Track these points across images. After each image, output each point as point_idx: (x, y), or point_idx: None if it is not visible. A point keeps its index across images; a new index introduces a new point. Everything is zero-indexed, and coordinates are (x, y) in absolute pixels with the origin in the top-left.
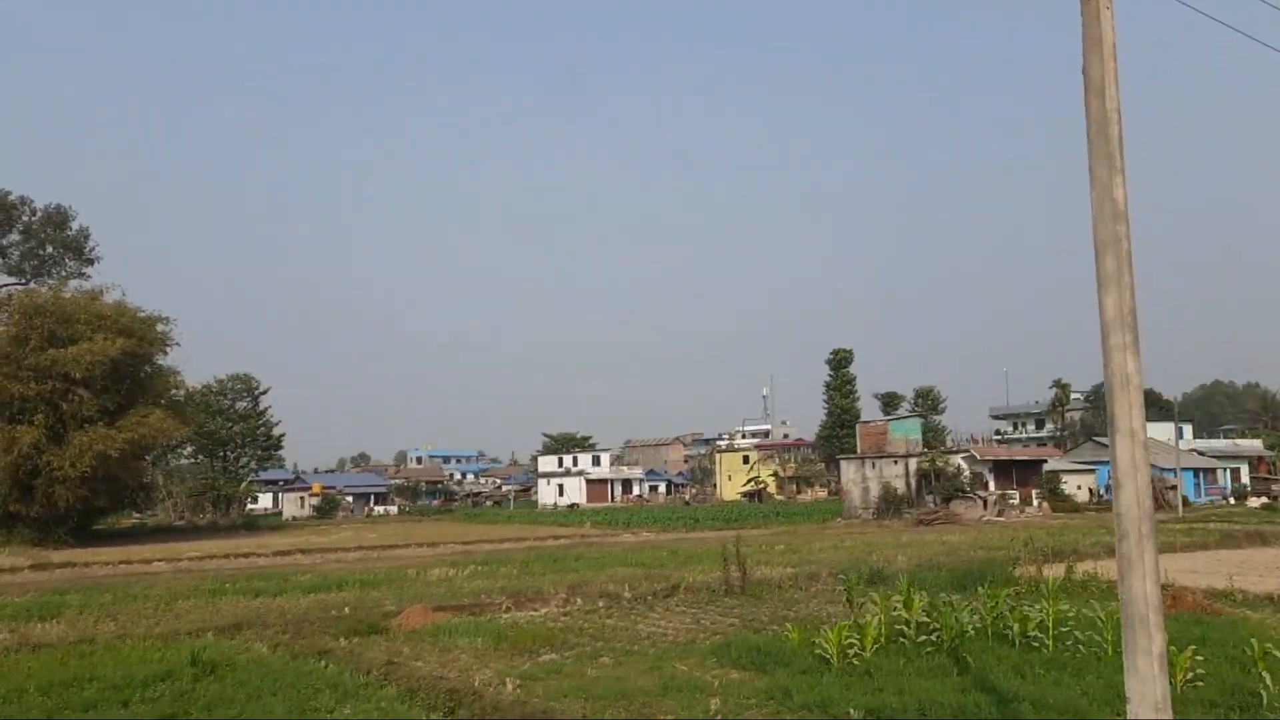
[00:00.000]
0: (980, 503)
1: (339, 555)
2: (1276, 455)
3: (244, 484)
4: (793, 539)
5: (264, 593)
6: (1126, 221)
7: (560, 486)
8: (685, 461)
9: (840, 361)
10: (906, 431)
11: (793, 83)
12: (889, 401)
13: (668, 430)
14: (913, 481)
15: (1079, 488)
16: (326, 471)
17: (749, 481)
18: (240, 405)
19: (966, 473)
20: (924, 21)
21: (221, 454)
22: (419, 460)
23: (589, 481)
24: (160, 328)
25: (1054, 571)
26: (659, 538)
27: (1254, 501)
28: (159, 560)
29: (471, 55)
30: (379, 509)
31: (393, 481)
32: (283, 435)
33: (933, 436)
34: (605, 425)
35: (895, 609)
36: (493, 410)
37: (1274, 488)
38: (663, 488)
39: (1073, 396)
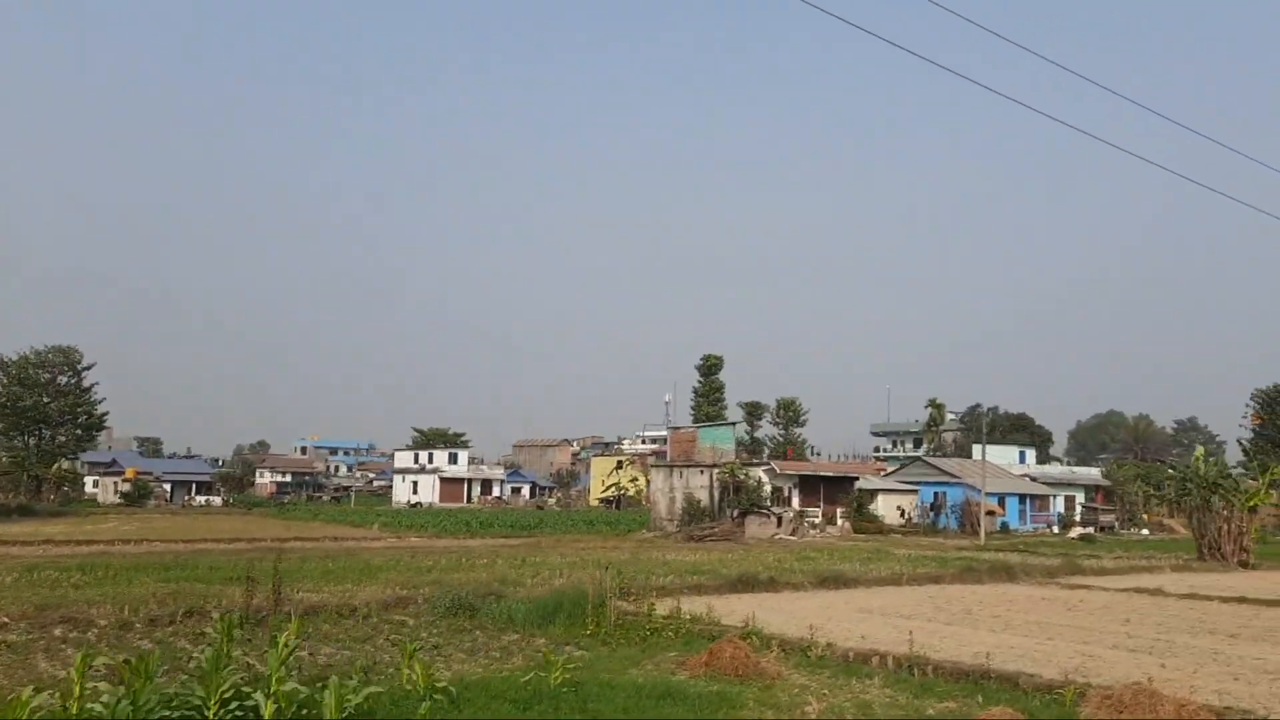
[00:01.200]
0: (775, 519)
1: (17, 549)
2: (1125, 487)
3: (55, 465)
4: (533, 552)
5: None
6: None
7: (415, 484)
8: (573, 464)
9: (710, 368)
10: (716, 440)
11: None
12: (752, 411)
13: (569, 432)
14: (715, 493)
15: (897, 508)
16: (197, 459)
17: (609, 488)
18: (62, 380)
19: (767, 487)
20: None
21: (36, 432)
22: (303, 450)
23: (443, 480)
24: None
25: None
26: (424, 543)
27: (1075, 531)
28: None
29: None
30: (200, 499)
31: (218, 470)
32: (105, 414)
33: (791, 448)
34: (517, 424)
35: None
36: (407, 403)
37: (1103, 518)
38: (526, 490)
39: (949, 416)
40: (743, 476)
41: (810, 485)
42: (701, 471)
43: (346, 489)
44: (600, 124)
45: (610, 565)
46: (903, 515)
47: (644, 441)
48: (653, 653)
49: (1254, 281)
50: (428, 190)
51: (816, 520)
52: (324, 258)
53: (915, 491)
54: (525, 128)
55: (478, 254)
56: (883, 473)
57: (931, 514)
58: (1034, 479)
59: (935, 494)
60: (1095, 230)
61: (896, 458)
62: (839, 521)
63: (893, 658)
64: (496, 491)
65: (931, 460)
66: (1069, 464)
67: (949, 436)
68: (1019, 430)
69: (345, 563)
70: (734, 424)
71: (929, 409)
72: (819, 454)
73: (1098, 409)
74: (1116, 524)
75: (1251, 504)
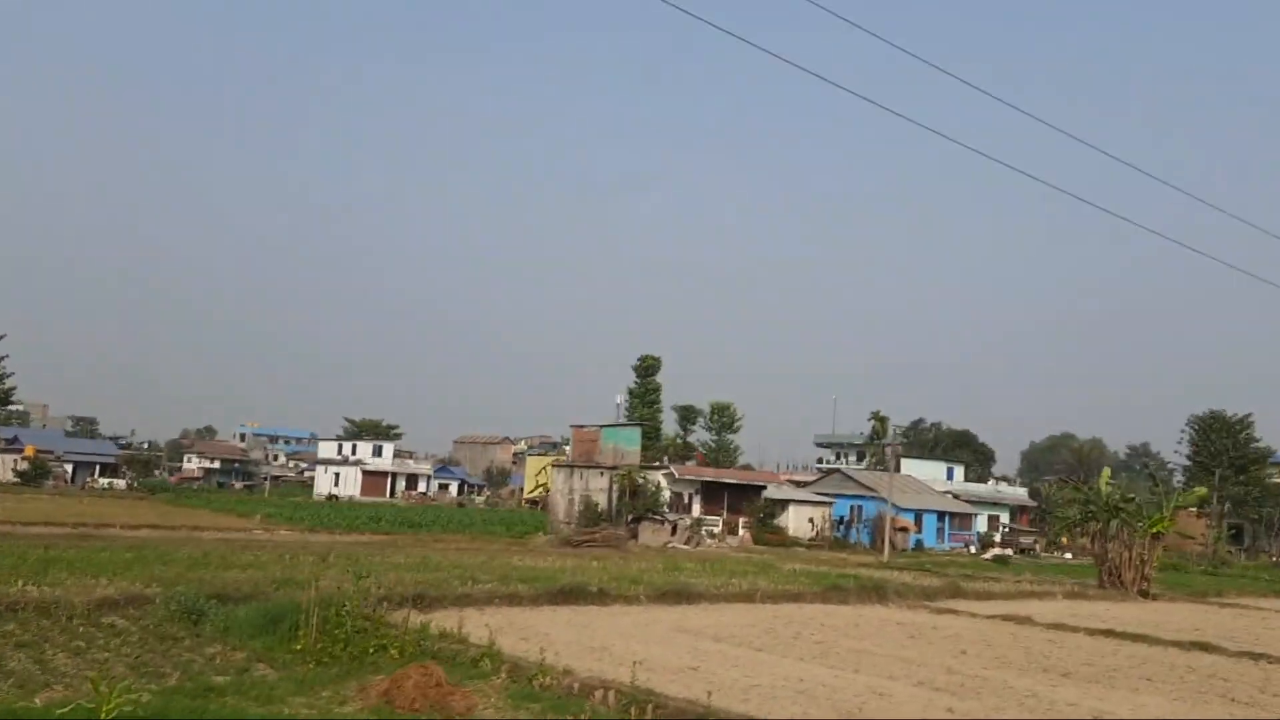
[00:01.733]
0: (669, 527)
1: None
2: (1061, 510)
3: None
4: (380, 551)
5: None
6: None
7: (337, 476)
8: (514, 463)
9: (647, 369)
10: (619, 441)
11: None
12: (686, 415)
13: (523, 431)
14: (614, 497)
15: (809, 520)
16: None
17: (536, 488)
18: None
19: (666, 492)
20: None
21: None
22: (241, 437)
23: (365, 473)
24: None
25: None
26: (287, 538)
27: (990, 553)
28: None
29: None
30: (104, 481)
31: (125, 452)
32: (13, 389)
33: (721, 454)
34: (467, 421)
35: None
36: (363, 396)
37: (1023, 540)
38: (454, 487)
39: (892, 430)
40: (641, 480)
41: (714, 493)
42: (602, 474)
43: (277, 478)
44: (556, 123)
45: (358, 570)
46: (813, 528)
47: None
48: (354, 675)
49: (1207, 311)
50: (399, 184)
51: (716, 529)
52: (289, 245)
53: (830, 504)
54: (480, 123)
55: (444, 247)
56: (800, 482)
57: (842, 528)
58: (957, 496)
59: (851, 507)
60: (1052, 252)
61: (839, 469)
62: (740, 532)
63: (615, 692)
64: (423, 487)
65: (850, 472)
66: (1004, 483)
67: (890, 450)
68: (961, 447)
69: (140, 553)
70: (641, 425)
71: (872, 421)
72: (730, 461)
73: (1054, 430)
74: (1038, 546)
75: (1155, 530)
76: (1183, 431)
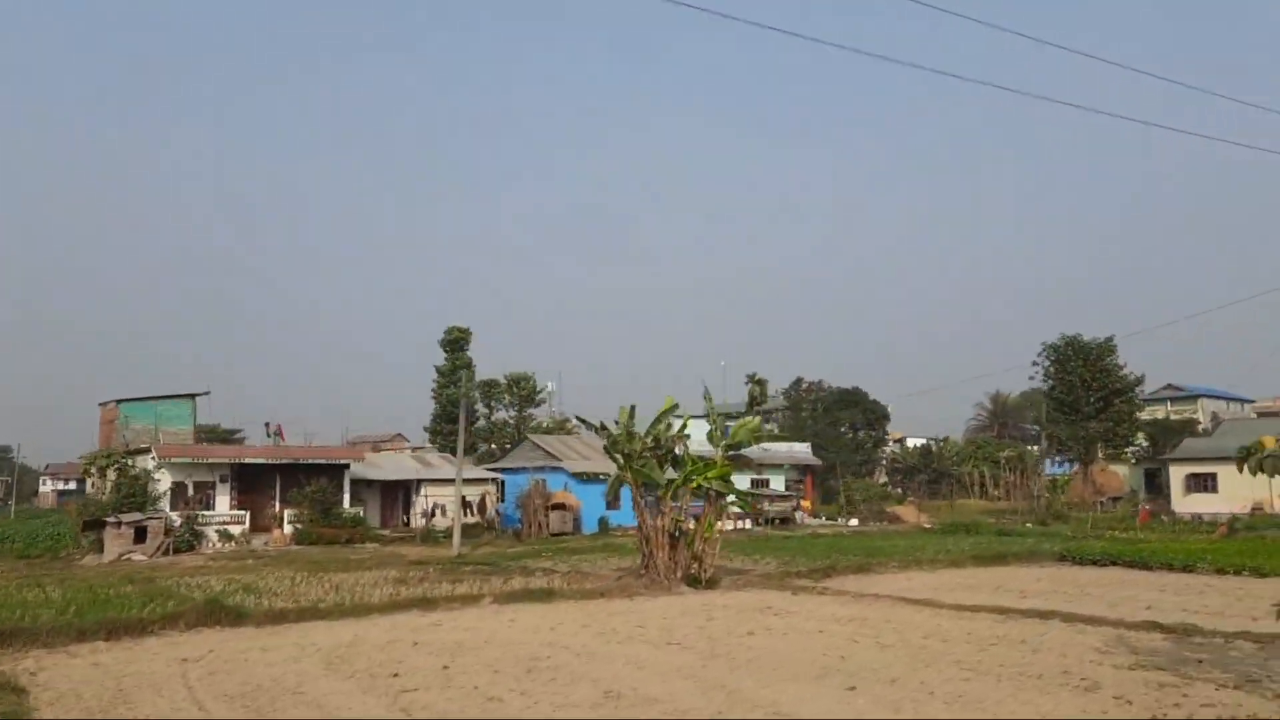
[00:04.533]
0: (130, 532)
1: None
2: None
3: None
4: None
5: None
6: None
7: None
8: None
9: (455, 343)
10: (160, 420)
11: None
12: (488, 390)
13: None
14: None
15: (463, 504)
16: None
17: None
18: None
19: (165, 483)
20: None
21: None
22: None
23: None
24: None
25: None
26: None
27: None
28: None
29: None
30: None
31: None
32: None
33: (521, 432)
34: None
35: None
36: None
37: (772, 508)
38: None
39: (772, 393)
40: (128, 468)
41: (258, 479)
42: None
43: None
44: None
45: None
46: (431, 515)
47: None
48: None
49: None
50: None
51: (237, 530)
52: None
53: (490, 481)
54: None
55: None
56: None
57: (470, 512)
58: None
59: (534, 482)
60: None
61: (529, 437)
62: (286, 527)
63: None
64: None
65: (539, 440)
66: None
67: (779, 416)
68: (850, 406)
69: None
70: (194, 396)
71: (749, 385)
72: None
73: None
74: (804, 514)
75: (697, 484)
76: (1034, 363)
